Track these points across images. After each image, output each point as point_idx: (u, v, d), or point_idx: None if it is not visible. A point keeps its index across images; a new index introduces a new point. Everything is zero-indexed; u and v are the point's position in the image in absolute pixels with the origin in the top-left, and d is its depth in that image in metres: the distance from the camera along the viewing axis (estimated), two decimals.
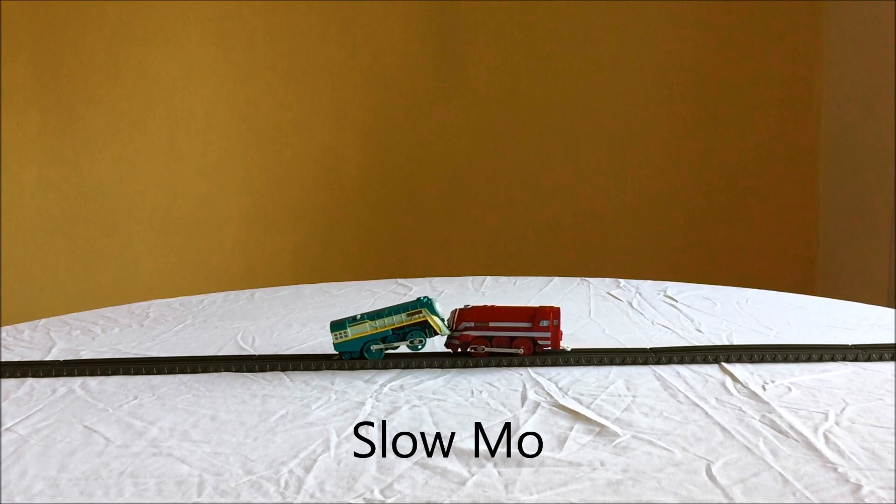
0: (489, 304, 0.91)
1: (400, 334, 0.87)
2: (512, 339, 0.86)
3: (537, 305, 0.88)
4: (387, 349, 0.87)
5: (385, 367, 0.86)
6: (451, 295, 1.33)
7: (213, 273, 2.47)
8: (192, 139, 2.44)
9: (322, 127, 2.50)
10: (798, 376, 0.80)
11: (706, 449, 0.61)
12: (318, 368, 0.86)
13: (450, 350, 0.88)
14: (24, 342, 1.05)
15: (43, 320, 1.18)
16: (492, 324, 0.86)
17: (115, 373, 0.87)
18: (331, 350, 0.88)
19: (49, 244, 2.34)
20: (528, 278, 1.48)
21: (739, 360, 0.85)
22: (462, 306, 0.89)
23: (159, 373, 0.87)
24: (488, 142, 2.57)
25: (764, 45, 2.51)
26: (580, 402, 0.73)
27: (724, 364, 0.84)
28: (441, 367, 0.86)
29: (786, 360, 0.85)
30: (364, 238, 2.58)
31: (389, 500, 0.54)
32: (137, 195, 2.42)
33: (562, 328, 0.87)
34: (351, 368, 0.86)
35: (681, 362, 0.86)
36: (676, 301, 1.22)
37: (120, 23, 2.34)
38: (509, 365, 0.85)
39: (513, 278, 1.48)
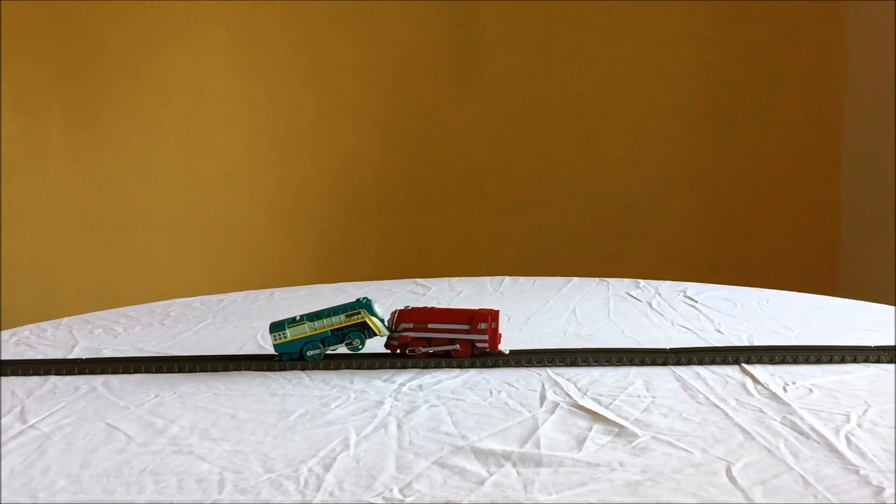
0: (429, 306, 0.91)
1: (339, 335, 0.88)
2: (451, 340, 0.86)
3: (477, 308, 0.88)
4: (326, 350, 0.88)
5: (404, 367, 0.86)
6: (469, 295, 1.33)
7: (232, 272, 2.48)
8: (212, 139, 2.45)
9: (341, 127, 2.51)
10: (819, 378, 0.79)
11: (726, 450, 0.61)
12: (337, 368, 0.87)
13: (389, 351, 0.89)
14: (46, 340, 1.06)
15: (65, 319, 1.19)
16: (430, 325, 0.87)
17: (136, 371, 0.88)
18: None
19: (71, 243, 2.37)
20: (547, 278, 1.47)
21: (760, 362, 0.85)
22: (402, 307, 0.90)
23: (180, 371, 0.87)
24: (507, 142, 2.56)
25: (786, 44, 2.49)
26: (599, 403, 0.73)
27: (744, 365, 0.84)
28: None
29: (807, 361, 0.85)
30: (383, 238, 2.58)
31: (408, 500, 0.54)
32: (158, 195, 2.44)
33: (500, 331, 0.88)
34: (370, 368, 0.86)
35: (700, 363, 0.85)
36: (696, 301, 1.22)
37: (141, 23, 2.36)
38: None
39: (531, 278, 1.48)
